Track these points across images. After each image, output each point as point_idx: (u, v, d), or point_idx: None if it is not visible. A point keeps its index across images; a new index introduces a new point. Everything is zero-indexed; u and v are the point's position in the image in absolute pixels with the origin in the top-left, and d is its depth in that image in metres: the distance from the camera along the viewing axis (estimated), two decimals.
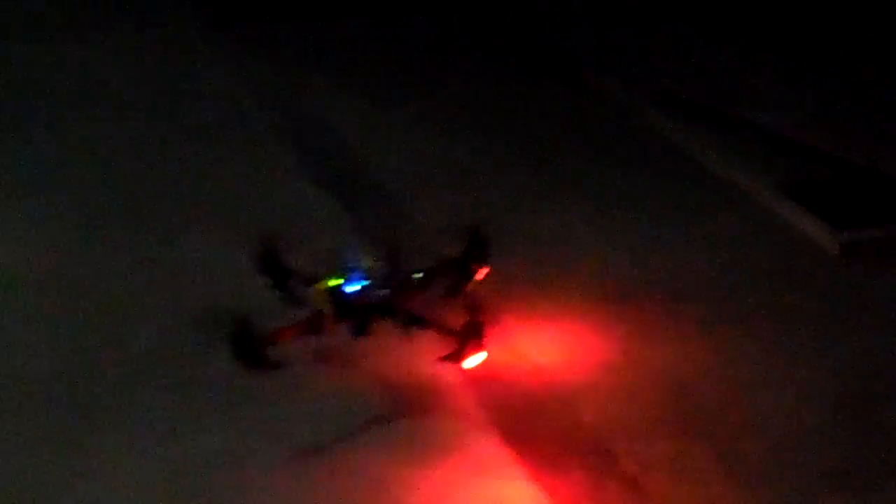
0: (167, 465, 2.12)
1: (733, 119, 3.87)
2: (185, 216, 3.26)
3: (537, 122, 4.10)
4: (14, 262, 2.98)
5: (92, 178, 3.56)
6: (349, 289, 2.38)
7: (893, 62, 4.37)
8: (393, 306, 2.41)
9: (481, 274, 2.60)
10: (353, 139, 3.91)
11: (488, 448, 2.23)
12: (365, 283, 2.40)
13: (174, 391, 2.38)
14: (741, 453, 2.24)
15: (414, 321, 2.41)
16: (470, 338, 2.33)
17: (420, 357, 2.45)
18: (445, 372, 2.39)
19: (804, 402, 2.46)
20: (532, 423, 2.36)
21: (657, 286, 2.95)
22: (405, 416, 2.36)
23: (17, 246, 3.09)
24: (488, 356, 2.40)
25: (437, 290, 2.58)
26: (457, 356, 2.34)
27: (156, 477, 2.09)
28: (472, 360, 2.35)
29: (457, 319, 2.38)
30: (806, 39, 4.70)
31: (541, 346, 2.63)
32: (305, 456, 2.18)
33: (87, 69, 4.59)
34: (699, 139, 3.77)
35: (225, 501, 2.05)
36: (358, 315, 2.39)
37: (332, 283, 2.38)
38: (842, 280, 2.99)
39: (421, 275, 2.53)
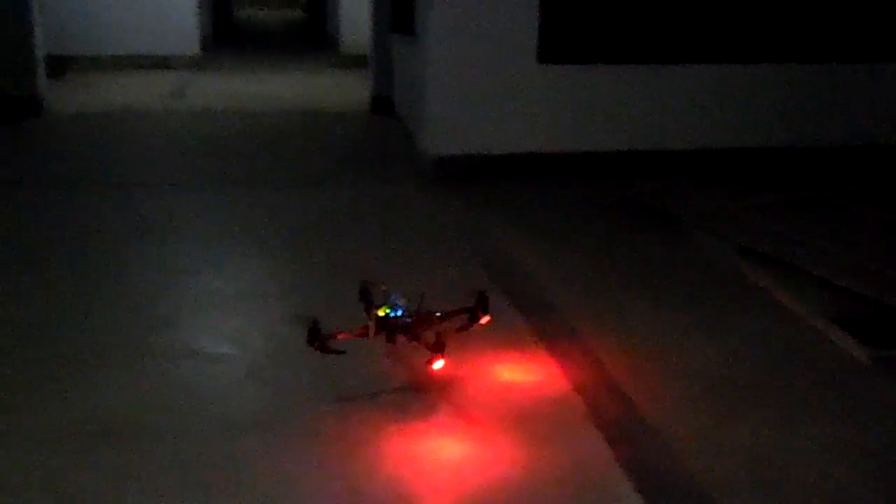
0: None
1: (795, 267, 4.88)
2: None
3: (651, 262, 5.16)
4: None
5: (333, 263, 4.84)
6: (391, 315, 3.61)
7: None
8: (410, 329, 3.62)
9: (484, 320, 3.78)
10: (519, 257, 5.16)
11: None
12: (400, 313, 3.61)
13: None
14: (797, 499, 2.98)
15: (416, 338, 3.62)
16: (436, 351, 3.54)
17: (416, 358, 3.66)
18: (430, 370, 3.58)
19: (846, 467, 3.10)
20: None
21: (737, 381, 3.72)
22: (403, 381, 3.59)
23: None
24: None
25: (455, 325, 3.77)
26: (430, 361, 3.56)
27: None
28: (437, 364, 3.55)
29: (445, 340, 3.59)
30: (851, 217, 5.82)
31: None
32: (348, 396, 3.43)
33: (336, 205, 6.22)
34: (769, 279, 4.77)
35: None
36: (390, 330, 3.61)
37: (383, 311, 3.61)
38: (871, 384, 3.75)
39: (439, 314, 3.73)
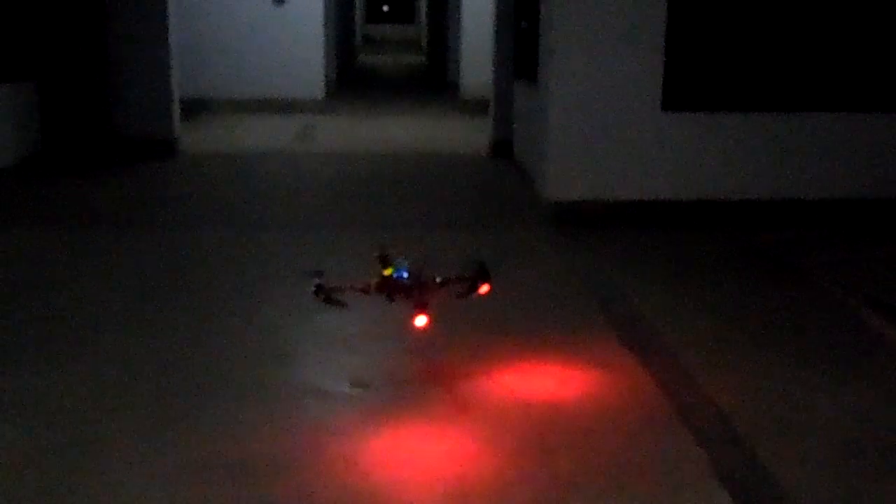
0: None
1: None
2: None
3: (777, 313, 5.03)
4: None
5: None
6: (394, 276, 3.93)
7: None
8: (409, 291, 3.95)
9: (483, 289, 4.09)
10: (639, 306, 5.10)
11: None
12: (404, 275, 3.93)
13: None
14: None
15: (411, 299, 3.96)
16: (419, 309, 3.94)
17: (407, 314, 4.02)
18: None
19: None
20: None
21: (869, 442, 3.55)
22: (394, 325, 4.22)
23: None
24: None
25: (456, 291, 4.10)
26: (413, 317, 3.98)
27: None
28: (418, 320, 3.96)
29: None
30: None
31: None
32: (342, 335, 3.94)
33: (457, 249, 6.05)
34: None
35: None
36: (391, 290, 3.95)
37: (389, 271, 3.93)
38: None
39: (439, 280, 4.02)
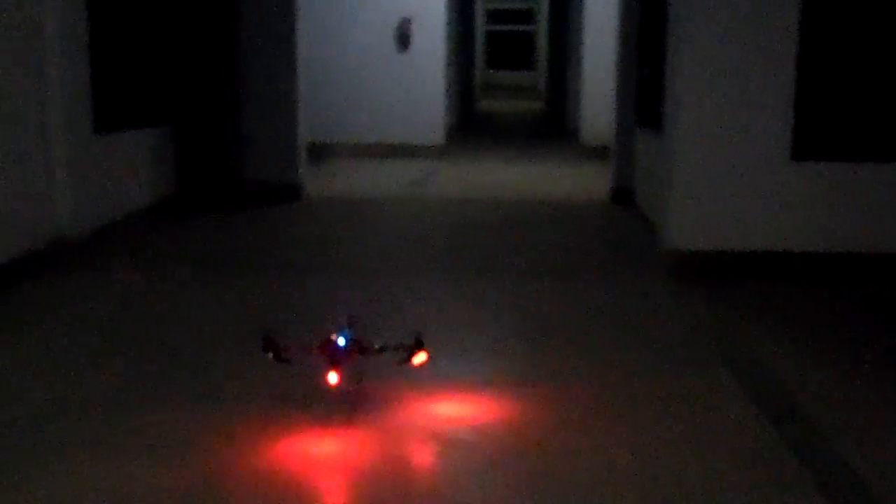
0: None
1: None
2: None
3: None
4: None
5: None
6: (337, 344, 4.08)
7: None
8: (349, 354, 4.09)
9: (418, 359, 4.19)
10: (769, 363, 4.92)
11: None
12: (345, 343, 4.08)
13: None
14: None
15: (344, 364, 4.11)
16: (332, 367, 4.07)
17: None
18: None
19: None
20: None
21: None
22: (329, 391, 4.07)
23: None
24: None
25: (395, 358, 4.20)
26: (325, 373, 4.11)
27: None
28: (331, 377, 4.06)
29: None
30: None
31: None
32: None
33: (574, 298, 6.09)
34: None
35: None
36: (332, 353, 4.07)
37: (335, 337, 4.08)
38: None
39: (378, 346, 4.18)
